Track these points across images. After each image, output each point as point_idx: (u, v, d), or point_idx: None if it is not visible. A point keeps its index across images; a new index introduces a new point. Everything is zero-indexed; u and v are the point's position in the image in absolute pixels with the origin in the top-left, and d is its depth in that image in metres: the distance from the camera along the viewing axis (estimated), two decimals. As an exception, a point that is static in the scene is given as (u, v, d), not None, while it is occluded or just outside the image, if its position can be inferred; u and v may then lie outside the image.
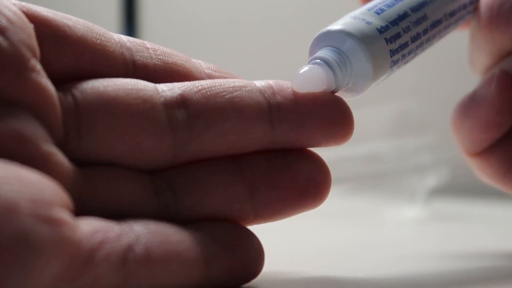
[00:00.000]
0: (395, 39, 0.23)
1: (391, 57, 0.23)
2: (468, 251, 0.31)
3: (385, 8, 0.23)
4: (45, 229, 0.16)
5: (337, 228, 0.39)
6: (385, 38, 0.23)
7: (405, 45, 0.23)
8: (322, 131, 0.22)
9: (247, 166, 0.22)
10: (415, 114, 0.51)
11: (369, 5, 0.24)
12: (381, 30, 0.23)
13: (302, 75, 0.22)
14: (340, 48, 0.22)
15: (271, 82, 0.22)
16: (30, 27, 0.20)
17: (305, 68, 0.22)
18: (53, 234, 0.16)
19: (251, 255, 0.21)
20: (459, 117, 0.27)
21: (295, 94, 0.22)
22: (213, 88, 0.21)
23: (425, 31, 0.24)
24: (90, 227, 0.18)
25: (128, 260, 0.18)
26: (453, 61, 0.65)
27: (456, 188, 0.57)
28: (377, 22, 0.23)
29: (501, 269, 0.26)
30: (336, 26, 0.23)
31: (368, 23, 0.23)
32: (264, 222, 0.22)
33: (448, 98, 0.69)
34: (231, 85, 0.21)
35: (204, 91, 0.21)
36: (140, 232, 0.19)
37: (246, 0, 0.77)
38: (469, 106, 0.26)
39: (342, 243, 0.34)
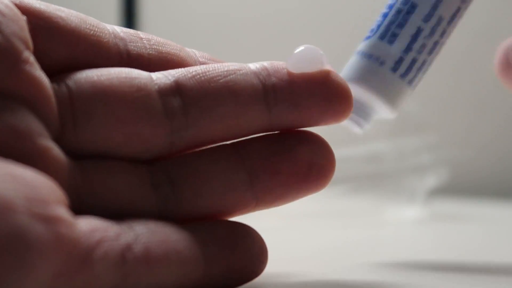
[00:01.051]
0: (411, 68, 0.24)
1: (410, 84, 0.24)
2: (467, 251, 0.31)
3: (398, 32, 0.24)
4: (42, 227, 0.16)
5: (337, 228, 0.39)
6: (400, 75, 0.24)
7: (423, 64, 0.24)
8: (319, 109, 0.21)
9: (246, 152, 0.21)
10: (415, 114, 0.51)
11: (382, 28, 0.24)
12: (395, 68, 0.24)
13: (297, 55, 0.22)
14: (358, 99, 0.24)
15: (265, 63, 0.22)
16: (22, 19, 0.19)
17: (300, 48, 0.22)
18: (50, 232, 0.16)
19: (252, 254, 0.21)
20: (502, 71, 0.27)
21: (290, 74, 0.21)
22: (207, 73, 0.21)
23: (443, 33, 0.24)
24: (88, 226, 0.18)
25: (126, 259, 0.18)
26: (453, 62, 0.65)
27: (456, 188, 0.57)
28: (390, 58, 0.24)
29: (500, 269, 0.26)
30: (350, 72, 0.24)
31: (381, 63, 0.23)
32: (267, 208, 0.22)
33: (448, 98, 0.69)
34: (225, 69, 0.21)
35: (198, 76, 0.21)
36: (139, 231, 0.19)
37: None
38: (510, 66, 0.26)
39: (341, 243, 0.34)
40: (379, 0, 0.26)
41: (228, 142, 0.22)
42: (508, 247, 0.33)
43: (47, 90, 0.19)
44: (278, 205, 0.22)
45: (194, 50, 0.23)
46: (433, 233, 0.38)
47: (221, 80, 0.21)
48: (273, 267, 0.22)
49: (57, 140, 0.19)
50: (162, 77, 0.21)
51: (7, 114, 0.18)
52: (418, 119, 0.51)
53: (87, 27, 0.21)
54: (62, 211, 0.17)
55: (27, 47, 0.19)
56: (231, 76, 0.21)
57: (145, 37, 0.22)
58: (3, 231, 0.15)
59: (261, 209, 0.22)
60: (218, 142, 0.22)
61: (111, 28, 0.22)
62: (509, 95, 0.69)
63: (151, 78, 0.21)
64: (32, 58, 0.19)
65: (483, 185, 0.63)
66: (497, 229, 0.40)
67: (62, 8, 0.21)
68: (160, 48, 0.22)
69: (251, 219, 0.22)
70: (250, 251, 0.21)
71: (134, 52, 0.22)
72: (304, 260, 0.28)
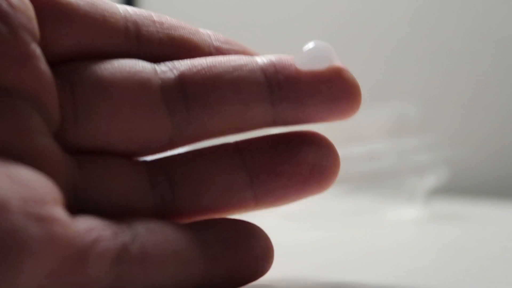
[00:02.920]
0: None
1: None
2: (467, 251, 0.31)
3: None
4: (36, 228, 0.16)
5: (337, 228, 0.39)
6: None
7: None
8: (325, 108, 0.21)
9: (247, 152, 0.21)
10: (414, 115, 0.51)
11: None
12: None
13: (306, 53, 0.21)
14: None
15: (273, 59, 0.21)
16: (31, 8, 0.19)
17: (309, 46, 0.21)
18: (44, 232, 0.16)
19: (256, 254, 0.20)
20: None
21: (297, 72, 0.21)
22: (212, 69, 0.21)
23: None
24: (84, 225, 0.17)
25: (122, 260, 0.18)
26: (452, 62, 0.65)
27: (456, 188, 0.57)
28: None
29: (500, 269, 0.26)
30: None
31: None
32: (266, 208, 0.22)
33: (447, 98, 0.69)
34: (232, 64, 0.21)
35: (203, 71, 0.21)
36: (137, 231, 0.18)
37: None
38: None
39: (341, 243, 0.34)
40: None
41: (230, 142, 0.22)
42: (508, 247, 0.33)
43: (50, 84, 0.19)
44: (278, 206, 0.22)
45: (209, 32, 0.23)
46: (433, 233, 0.38)
47: (226, 77, 0.21)
48: (272, 267, 0.22)
49: (57, 134, 0.19)
50: (166, 71, 0.21)
51: (10, 112, 0.18)
52: (418, 119, 0.51)
53: (98, 12, 0.20)
54: (58, 211, 0.17)
55: (34, 39, 0.19)
56: (237, 73, 0.21)
57: (158, 20, 0.22)
58: None
59: (261, 209, 0.21)
60: (219, 137, 0.21)
61: (123, 10, 0.21)
62: (508, 95, 0.69)
63: (155, 71, 0.21)
64: (38, 51, 0.19)
65: (483, 185, 0.63)
66: (497, 229, 0.40)
67: None
68: (172, 32, 0.22)
69: (249, 219, 0.22)
70: (254, 252, 0.20)
71: (145, 37, 0.21)
72: (303, 259, 0.28)
